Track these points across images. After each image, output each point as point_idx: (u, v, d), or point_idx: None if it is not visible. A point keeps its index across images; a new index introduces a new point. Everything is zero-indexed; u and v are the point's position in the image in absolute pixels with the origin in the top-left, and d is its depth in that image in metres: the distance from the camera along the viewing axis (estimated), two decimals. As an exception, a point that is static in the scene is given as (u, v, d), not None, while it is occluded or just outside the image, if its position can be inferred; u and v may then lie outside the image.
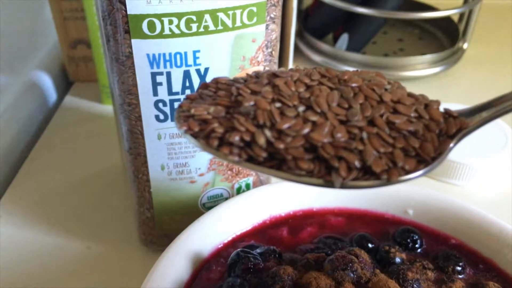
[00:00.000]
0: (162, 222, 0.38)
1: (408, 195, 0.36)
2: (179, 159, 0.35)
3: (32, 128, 0.57)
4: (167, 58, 0.30)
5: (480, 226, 0.34)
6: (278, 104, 0.22)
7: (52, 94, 0.62)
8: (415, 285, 0.29)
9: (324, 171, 0.20)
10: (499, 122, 0.51)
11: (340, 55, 0.66)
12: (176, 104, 0.32)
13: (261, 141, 0.21)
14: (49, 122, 0.57)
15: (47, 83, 0.62)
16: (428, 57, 0.65)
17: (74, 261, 0.40)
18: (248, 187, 0.39)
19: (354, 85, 0.23)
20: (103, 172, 0.50)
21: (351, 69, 0.65)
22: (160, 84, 0.31)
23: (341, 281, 0.28)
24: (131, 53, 0.29)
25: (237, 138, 0.21)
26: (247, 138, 0.21)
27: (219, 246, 0.33)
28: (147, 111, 0.32)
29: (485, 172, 0.47)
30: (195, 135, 0.22)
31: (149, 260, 0.39)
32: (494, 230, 0.33)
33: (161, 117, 0.32)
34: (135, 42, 0.29)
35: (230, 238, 0.34)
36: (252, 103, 0.22)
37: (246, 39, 0.31)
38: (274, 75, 0.24)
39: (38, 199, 0.46)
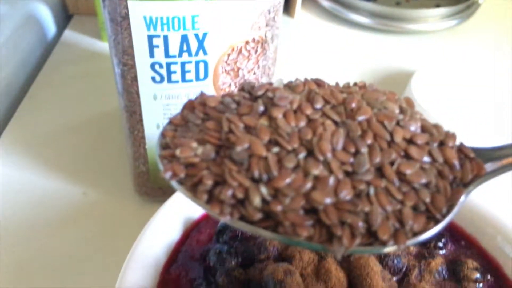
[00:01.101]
0: (157, 177, 0.39)
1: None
2: (174, 119, 0.35)
3: (31, 64, 0.56)
4: (165, 21, 0.29)
5: (467, 204, 0.34)
6: (275, 149, 0.19)
7: (51, 27, 0.61)
8: (395, 261, 0.30)
9: (325, 236, 0.18)
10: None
11: (350, 3, 0.63)
12: (172, 67, 0.31)
13: (256, 201, 0.18)
14: (48, 58, 0.56)
15: (46, 15, 0.60)
16: (442, 10, 0.62)
17: (70, 206, 0.41)
18: (243, 147, 0.39)
19: (362, 118, 0.20)
20: (101, 115, 0.50)
21: (360, 18, 0.63)
22: (157, 46, 0.30)
23: (324, 256, 0.29)
24: (127, 14, 0.28)
25: (228, 194, 0.18)
26: (240, 195, 0.18)
27: (210, 208, 0.34)
28: (143, 72, 0.31)
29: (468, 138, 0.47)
30: (181, 181, 0.19)
31: (144, 210, 0.40)
32: (481, 209, 0.34)
33: (157, 78, 0.32)
34: (131, 4, 0.28)
35: (221, 201, 0.34)
36: (246, 145, 0.19)
37: (247, 4, 0.30)
38: (271, 100, 0.21)
39: (37, 140, 0.47)
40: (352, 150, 0.19)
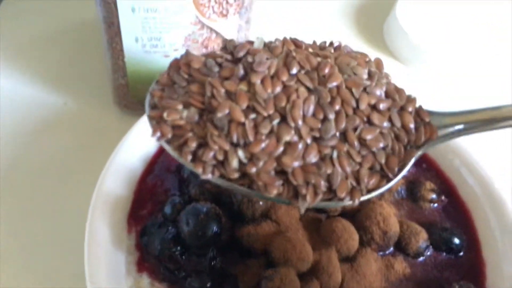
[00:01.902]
0: (136, 89, 0.39)
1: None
2: (153, 33, 0.34)
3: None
4: None
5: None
6: (252, 115, 0.21)
7: None
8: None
9: (292, 193, 0.21)
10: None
11: None
12: (151, -21, 0.31)
13: (234, 163, 0.21)
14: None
15: None
16: None
17: (51, 115, 0.42)
18: (222, 64, 0.39)
19: (332, 85, 0.22)
20: (82, 24, 0.49)
21: None
22: (134, -44, 0.29)
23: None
24: None
25: (210, 156, 0.20)
26: (220, 157, 0.21)
27: (187, 124, 0.35)
28: (121, -18, 0.31)
29: (449, 61, 0.49)
30: (168, 141, 0.22)
31: (123, 122, 0.41)
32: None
33: (135, -10, 0.31)
34: None
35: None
36: (226, 111, 0.21)
37: None
38: (251, 65, 0.22)
39: (16, 48, 0.46)
40: (321, 116, 0.21)
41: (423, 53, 0.49)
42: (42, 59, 0.46)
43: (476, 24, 0.51)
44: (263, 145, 0.21)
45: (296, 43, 0.24)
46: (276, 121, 0.21)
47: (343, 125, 0.22)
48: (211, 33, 0.35)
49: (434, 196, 0.33)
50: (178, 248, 0.28)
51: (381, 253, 0.31)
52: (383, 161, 0.22)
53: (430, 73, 0.49)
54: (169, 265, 0.28)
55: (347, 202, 0.22)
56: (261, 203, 0.29)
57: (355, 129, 0.22)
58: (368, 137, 0.22)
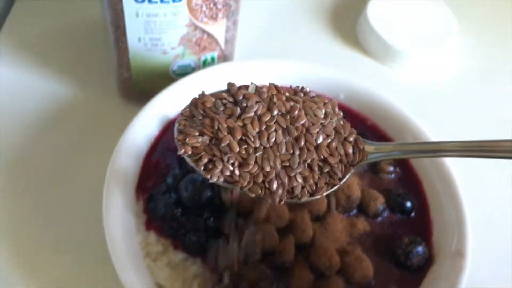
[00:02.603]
0: (139, 81, 0.45)
1: (342, 82, 0.44)
2: (153, 34, 0.40)
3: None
4: (146, -50, 0.34)
5: (390, 112, 0.42)
6: (244, 146, 0.29)
7: None
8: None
9: (269, 193, 0.30)
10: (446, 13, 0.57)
11: None
12: (152, -10, 0.37)
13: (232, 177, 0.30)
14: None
15: None
16: None
17: (62, 104, 0.48)
18: (213, 60, 0.45)
19: (300, 123, 0.30)
20: (91, 22, 0.54)
21: None
22: (139, -29, 0.35)
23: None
24: None
25: (217, 171, 0.29)
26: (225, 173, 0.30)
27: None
28: (127, -8, 0.37)
29: (419, 58, 0.54)
30: (189, 156, 0.30)
31: (127, 111, 0.46)
32: (401, 117, 0.42)
33: (139, -2, 0.37)
34: None
35: (193, 105, 0.42)
36: (227, 142, 0.29)
37: None
38: (245, 108, 0.30)
39: (31, 43, 0.52)
40: (291, 151, 0.30)
41: (394, 52, 0.53)
42: (54, 54, 0.51)
43: (447, 23, 0.57)
44: (250, 169, 0.30)
45: (277, 88, 0.32)
46: (259, 154, 0.30)
47: (304, 157, 0.30)
48: (203, 34, 0.42)
49: (391, 168, 0.40)
50: (179, 210, 0.34)
51: (346, 214, 0.37)
52: (330, 176, 0.31)
53: (402, 70, 0.54)
54: (172, 224, 0.34)
55: (304, 201, 0.30)
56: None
57: (313, 160, 0.30)
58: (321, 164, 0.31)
